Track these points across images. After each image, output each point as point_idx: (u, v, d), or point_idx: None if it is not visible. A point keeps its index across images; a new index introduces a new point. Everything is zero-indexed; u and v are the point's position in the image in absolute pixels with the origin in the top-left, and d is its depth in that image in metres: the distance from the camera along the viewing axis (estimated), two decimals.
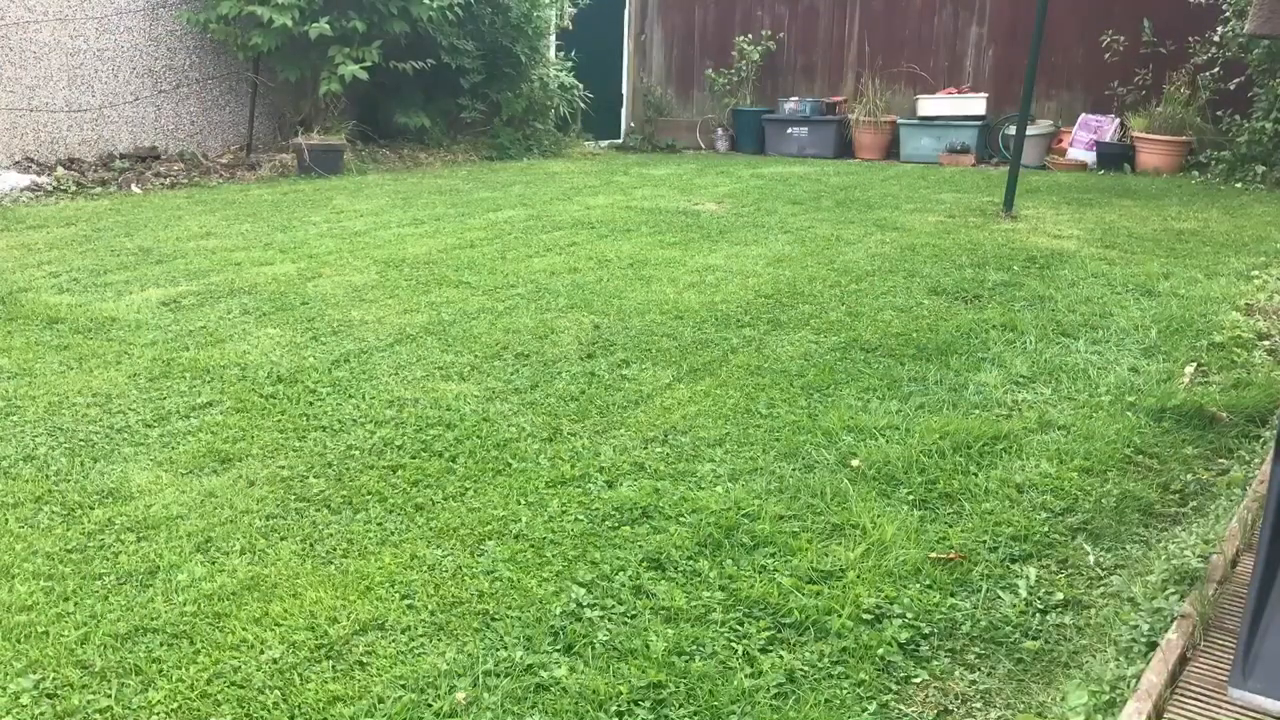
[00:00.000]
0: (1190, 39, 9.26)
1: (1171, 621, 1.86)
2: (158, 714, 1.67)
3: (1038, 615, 1.98)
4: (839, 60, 11.34)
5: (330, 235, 5.61)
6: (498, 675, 1.78)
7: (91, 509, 2.36)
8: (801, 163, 10.22)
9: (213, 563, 2.14)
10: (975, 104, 10.23)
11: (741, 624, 1.93)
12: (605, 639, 1.89)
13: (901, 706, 1.72)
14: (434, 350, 3.56)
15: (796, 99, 11.10)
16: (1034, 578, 2.09)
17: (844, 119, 10.91)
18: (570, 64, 10.81)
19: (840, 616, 1.94)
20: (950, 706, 1.72)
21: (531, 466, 2.63)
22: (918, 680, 1.78)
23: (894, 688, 1.76)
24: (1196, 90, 9.19)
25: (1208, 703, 1.66)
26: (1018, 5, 10.13)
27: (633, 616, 1.96)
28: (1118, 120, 9.71)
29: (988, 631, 1.92)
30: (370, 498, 2.44)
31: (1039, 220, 6.44)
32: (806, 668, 1.80)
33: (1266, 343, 3.71)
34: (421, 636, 1.89)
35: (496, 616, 1.96)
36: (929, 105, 10.40)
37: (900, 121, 10.53)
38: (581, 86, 10.76)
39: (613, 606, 1.99)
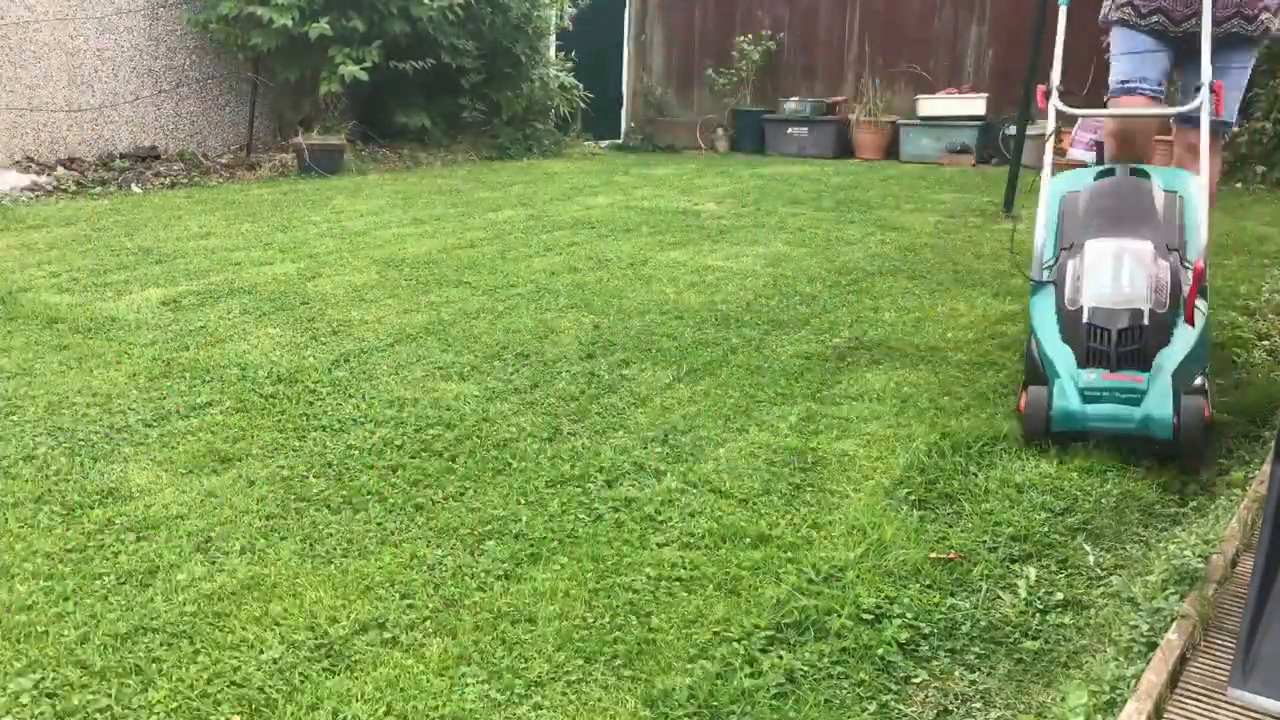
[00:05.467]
0: None
1: (1171, 621, 1.86)
2: (158, 714, 1.67)
3: (1038, 615, 1.98)
4: (839, 60, 11.34)
5: (330, 235, 5.61)
6: (499, 678, 1.78)
7: (91, 509, 2.36)
8: (801, 163, 10.22)
9: (213, 562, 2.14)
10: (975, 104, 10.23)
11: (742, 624, 1.93)
12: None
13: (901, 706, 1.72)
14: (434, 350, 3.56)
15: (796, 99, 11.10)
16: (1034, 578, 2.09)
17: (844, 119, 10.91)
18: (570, 64, 10.81)
19: (840, 616, 1.94)
20: (950, 706, 1.72)
21: (531, 466, 2.63)
22: (918, 680, 1.78)
23: (894, 688, 1.76)
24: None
25: (1208, 703, 1.66)
26: (1018, 5, 10.13)
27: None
28: None
29: (988, 631, 1.92)
30: (370, 497, 2.44)
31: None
32: (806, 668, 1.80)
33: (1266, 343, 3.71)
34: (422, 636, 1.89)
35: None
36: (929, 105, 10.40)
37: (900, 121, 10.52)
38: (581, 86, 10.75)
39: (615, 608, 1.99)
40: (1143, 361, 2.68)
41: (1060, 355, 2.76)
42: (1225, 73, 3.54)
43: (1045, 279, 3.00)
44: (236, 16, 8.06)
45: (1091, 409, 2.66)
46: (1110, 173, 3.21)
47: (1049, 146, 3.27)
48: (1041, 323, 2.88)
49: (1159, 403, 2.59)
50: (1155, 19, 3.55)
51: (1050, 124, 3.33)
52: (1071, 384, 2.69)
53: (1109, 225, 2.96)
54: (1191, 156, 3.77)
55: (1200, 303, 2.81)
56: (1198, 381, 2.71)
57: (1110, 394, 2.65)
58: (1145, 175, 3.16)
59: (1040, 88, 3.39)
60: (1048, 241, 3.08)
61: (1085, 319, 2.74)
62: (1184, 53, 3.62)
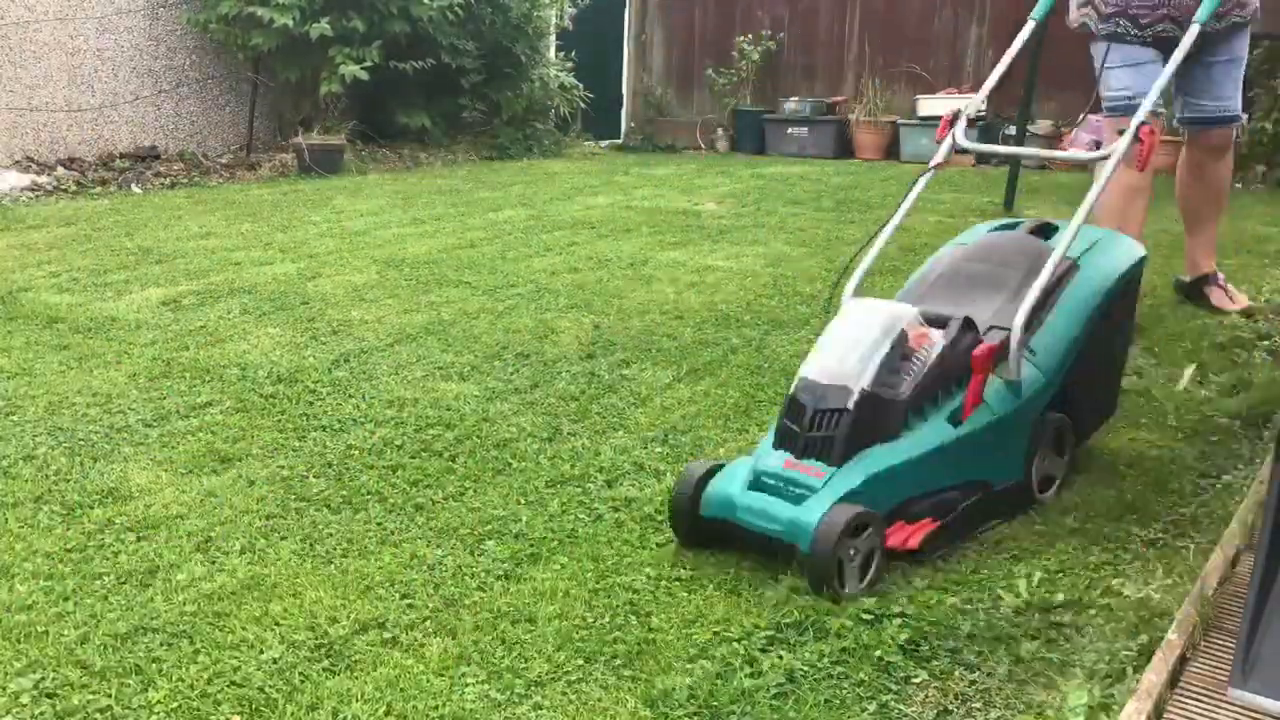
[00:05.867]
0: None
1: (1171, 621, 1.86)
2: (158, 714, 1.67)
3: (1038, 615, 1.97)
4: (839, 60, 11.34)
5: (330, 235, 5.61)
6: (499, 678, 1.78)
7: (91, 509, 2.36)
8: (801, 163, 10.22)
9: (213, 562, 2.14)
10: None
11: (742, 624, 1.93)
12: None
13: (901, 706, 1.72)
14: (434, 350, 3.56)
15: (796, 99, 11.09)
16: (1034, 578, 2.09)
17: (844, 119, 10.90)
18: (570, 64, 10.80)
19: (840, 617, 1.94)
20: (950, 706, 1.72)
21: (531, 466, 2.63)
22: (918, 680, 1.78)
23: (894, 688, 1.76)
24: None
25: (1208, 703, 1.66)
26: (1018, 5, 10.11)
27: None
28: None
29: (988, 631, 1.92)
30: (370, 497, 2.44)
31: None
32: (806, 668, 1.80)
33: (1266, 343, 3.70)
34: (422, 636, 1.89)
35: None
36: (929, 105, 10.39)
37: (900, 121, 10.52)
38: (581, 86, 10.75)
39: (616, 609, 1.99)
40: (835, 454, 2.12)
41: (771, 431, 2.28)
42: (1235, 64, 3.54)
43: None
44: (236, 16, 8.06)
45: (748, 499, 2.12)
46: (1008, 227, 2.74)
47: (924, 180, 2.72)
48: None
49: (814, 506, 2.04)
50: (1162, 28, 3.42)
51: (940, 156, 2.79)
52: (747, 466, 2.19)
53: (943, 291, 2.47)
54: (1212, 159, 3.78)
55: (1000, 400, 2.28)
56: (944, 498, 2.19)
57: (781, 485, 2.13)
58: (1048, 233, 2.63)
59: (945, 116, 2.82)
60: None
61: (791, 390, 2.25)
62: (1167, 52, 3.44)
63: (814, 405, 2.17)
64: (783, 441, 2.20)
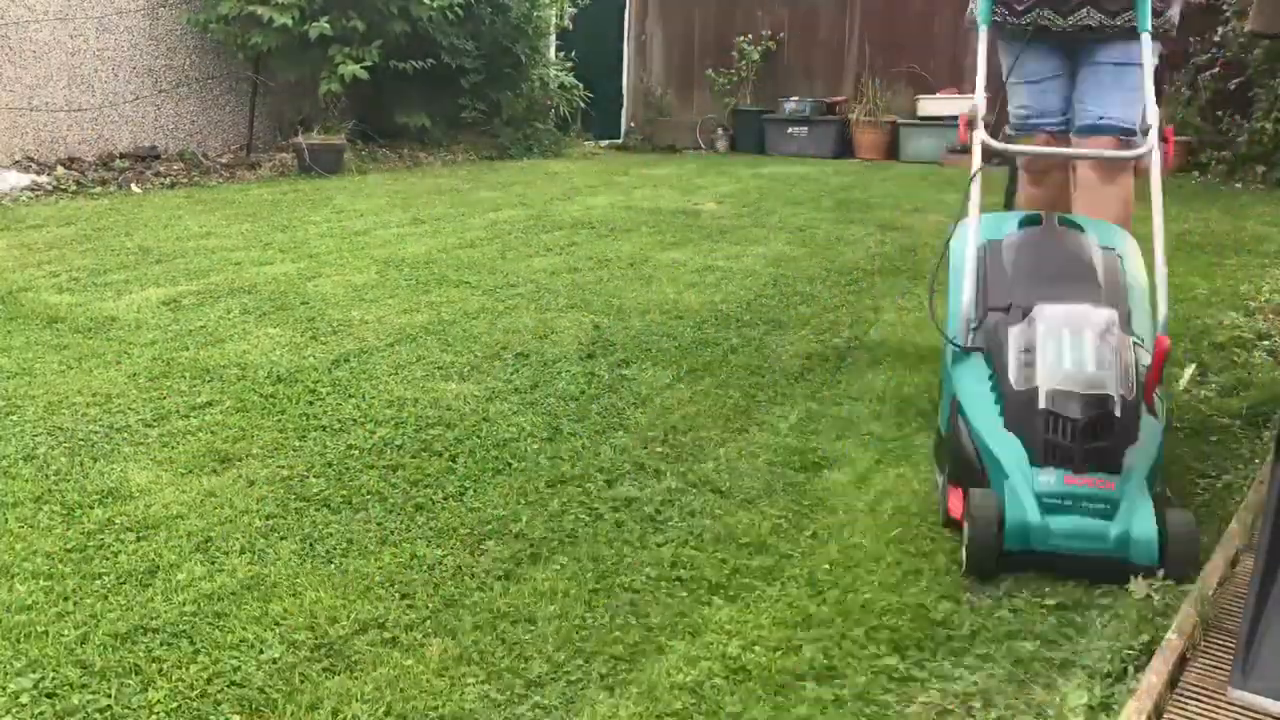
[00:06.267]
0: (1190, 39, 9.25)
1: (1171, 621, 1.86)
2: (157, 714, 1.67)
3: (1037, 615, 1.97)
4: (839, 60, 11.34)
5: (330, 235, 5.61)
6: (499, 678, 1.78)
7: (91, 508, 2.36)
8: (801, 163, 10.22)
9: (212, 562, 2.14)
10: None
11: (743, 624, 1.93)
12: None
13: (902, 706, 1.72)
14: (434, 350, 3.56)
15: (796, 99, 11.09)
16: (1035, 578, 2.09)
17: (844, 119, 10.91)
18: (570, 64, 10.81)
19: (841, 616, 1.94)
20: (950, 706, 1.72)
21: (531, 466, 2.63)
22: (918, 680, 1.78)
23: (894, 688, 1.76)
24: (1197, 90, 9.18)
25: (1208, 703, 1.66)
26: None
27: None
28: None
29: (987, 631, 1.92)
30: (370, 497, 2.44)
31: None
32: (807, 668, 1.80)
33: (1266, 343, 3.70)
34: (422, 636, 1.89)
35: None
36: (929, 105, 10.40)
37: (900, 121, 10.52)
38: (581, 86, 10.75)
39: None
40: (1113, 462, 2.09)
41: (1008, 449, 2.17)
42: (1125, 71, 3.04)
43: (973, 344, 2.44)
44: (236, 16, 8.06)
45: (1056, 522, 2.05)
46: (1035, 221, 2.75)
47: (975, 187, 2.70)
48: (975, 403, 2.28)
49: (1139, 518, 2.03)
50: (1040, 13, 3.06)
51: (975, 161, 2.73)
52: (1026, 488, 2.09)
53: (1047, 286, 2.39)
54: (1100, 175, 3.19)
55: (1158, 388, 2.28)
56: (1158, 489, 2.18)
57: (1076, 503, 2.07)
58: (1078, 228, 2.68)
59: (962, 116, 2.79)
60: (974, 298, 2.55)
61: (1043, 405, 2.15)
62: (1072, 55, 3.19)
63: (1085, 417, 2.11)
64: (1053, 458, 2.12)
